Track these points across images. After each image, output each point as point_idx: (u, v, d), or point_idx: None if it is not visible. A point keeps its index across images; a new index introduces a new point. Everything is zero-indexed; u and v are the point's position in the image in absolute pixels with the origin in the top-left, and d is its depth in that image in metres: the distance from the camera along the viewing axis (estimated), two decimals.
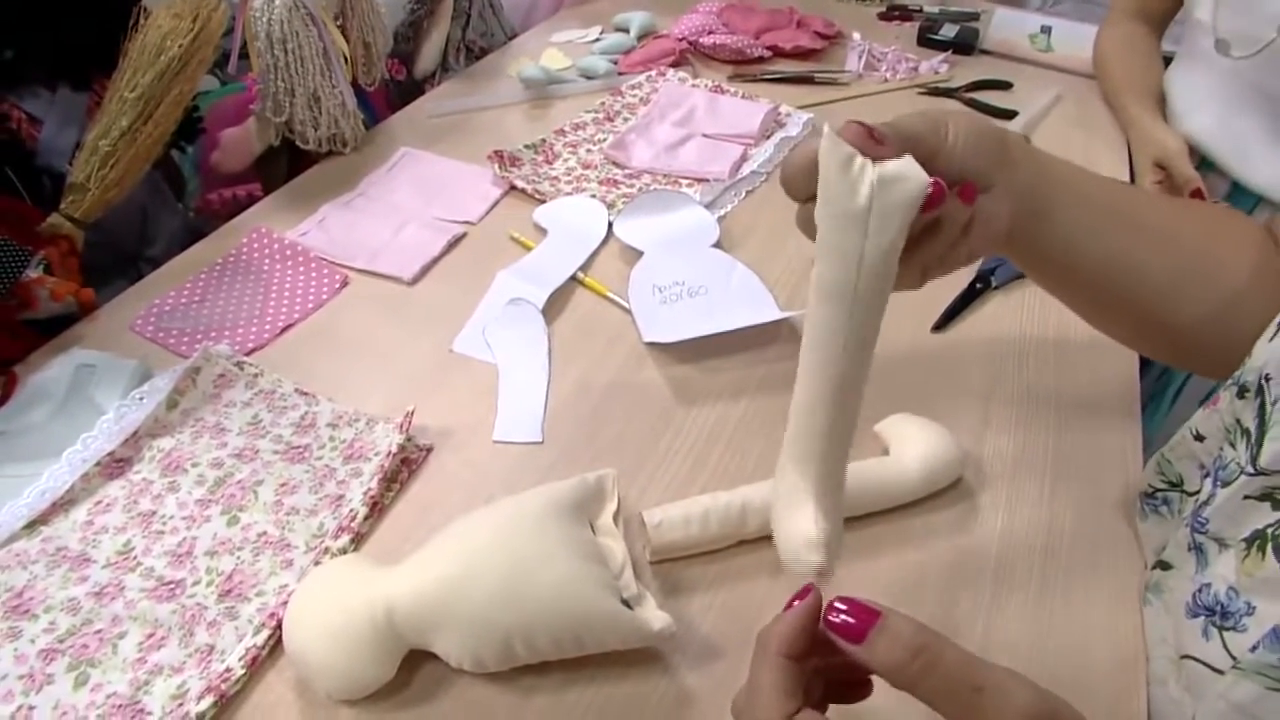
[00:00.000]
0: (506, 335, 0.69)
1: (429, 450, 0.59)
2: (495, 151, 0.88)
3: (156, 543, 0.52)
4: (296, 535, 0.53)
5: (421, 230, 0.80)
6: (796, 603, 0.33)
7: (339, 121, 0.87)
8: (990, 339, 0.70)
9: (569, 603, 0.44)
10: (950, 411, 0.61)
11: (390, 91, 1.09)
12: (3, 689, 0.45)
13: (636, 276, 0.73)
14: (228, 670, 0.46)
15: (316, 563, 0.51)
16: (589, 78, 1.07)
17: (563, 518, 0.48)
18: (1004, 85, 1.10)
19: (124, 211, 0.76)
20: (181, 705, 0.45)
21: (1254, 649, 0.38)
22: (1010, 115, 1.02)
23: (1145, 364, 0.70)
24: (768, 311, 0.70)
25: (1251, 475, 0.41)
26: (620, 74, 1.08)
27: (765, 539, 0.54)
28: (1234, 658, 0.40)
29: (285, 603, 0.47)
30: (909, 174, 0.35)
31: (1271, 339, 0.43)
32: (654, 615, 0.46)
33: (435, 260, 0.77)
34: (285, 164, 0.92)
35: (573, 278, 0.75)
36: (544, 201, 0.84)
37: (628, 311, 0.71)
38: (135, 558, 0.52)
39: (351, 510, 0.54)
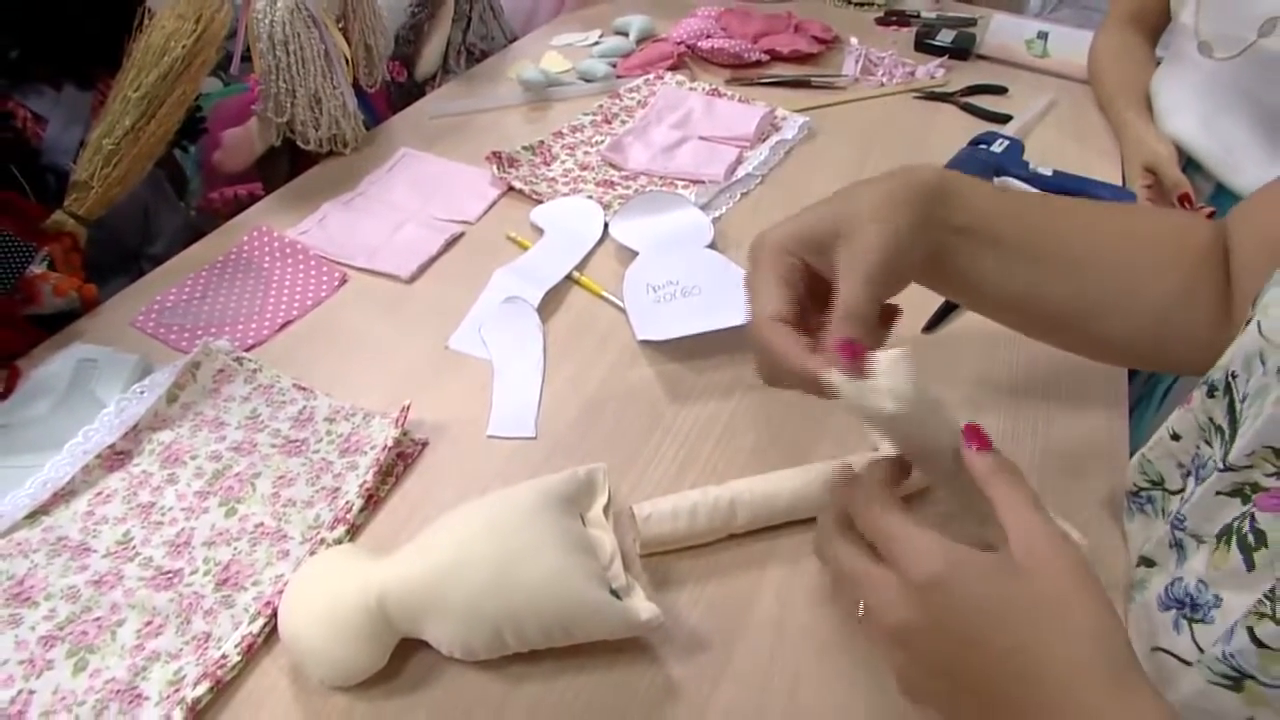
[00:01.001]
0: (502, 333, 0.70)
1: (424, 445, 0.60)
2: (494, 153, 0.89)
3: (155, 533, 0.53)
4: (293, 526, 0.54)
5: (420, 229, 0.81)
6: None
7: (340, 122, 0.88)
8: (978, 341, 0.71)
9: (558, 592, 0.45)
10: None
11: (391, 93, 1.10)
12: (3, 674, 0.46)
13: (631, 276, 0.74)
14: (224, 657, 0.47)
15: (312, 553, 0.52)
16: (588, 81, 1.08)
17: (553, 510, 0.49)
18: (999, 90, 1.10)
19: (127, 209, 0.77)
20: (178, 690, 0.45)
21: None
22: (1005, 119, 1.03)
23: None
24: None
25: (1223, 471, 0.42)
26: (619, 77, 1.09)
27: (753, 534, 0.55)
28: (1201, 650, 0.41)
29: (281, 592, 0.48)
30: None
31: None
32: (642, 606, 0.47)
33: (433, 259, 0.78)
34: (286, 164, 0.93)
35: (568, 277, 0.76)
36: (541, 202, 0.85)
37: (622, 310, 0.72)
38: (134, 547, 0.52)
39: (347, 502, 0.55)
